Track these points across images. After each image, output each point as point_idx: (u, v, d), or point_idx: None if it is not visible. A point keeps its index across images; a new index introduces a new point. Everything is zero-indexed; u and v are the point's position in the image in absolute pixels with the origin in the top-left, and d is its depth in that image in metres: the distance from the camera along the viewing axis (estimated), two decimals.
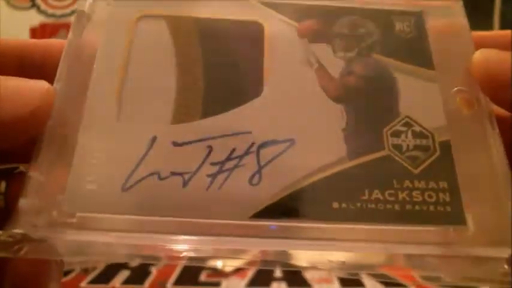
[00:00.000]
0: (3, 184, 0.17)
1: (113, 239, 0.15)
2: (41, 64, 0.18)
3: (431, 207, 0.16)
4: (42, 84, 0.16)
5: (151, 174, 0.16)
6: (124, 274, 0.40)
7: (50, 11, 0.43)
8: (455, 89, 0.18)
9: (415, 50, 0.19)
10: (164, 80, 0.18)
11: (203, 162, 0.16)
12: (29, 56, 0.18)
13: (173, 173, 0.16)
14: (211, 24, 0.19)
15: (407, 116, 0.17)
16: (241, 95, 0.17)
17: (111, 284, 0.38)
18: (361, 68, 0.18)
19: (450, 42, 0.19)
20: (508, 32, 0.19)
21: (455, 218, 0.16)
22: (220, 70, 0.18)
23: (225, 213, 0.15)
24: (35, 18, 0.44)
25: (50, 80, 0.17)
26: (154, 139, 0.16)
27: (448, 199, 0.16)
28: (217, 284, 0.39)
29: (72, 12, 0.42)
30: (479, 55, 0.18)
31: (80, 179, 0.15)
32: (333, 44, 0.19)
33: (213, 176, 0.16)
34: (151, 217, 0.15)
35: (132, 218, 0.15)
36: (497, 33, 0.20)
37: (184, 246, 0.15)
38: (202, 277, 0.39)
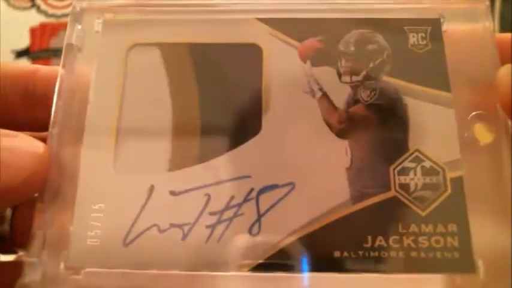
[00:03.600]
0: (9, 210, 0.17)
1: None
2: (44, 92, 0.18)
3: (438, 254, 0.15)
4: (37, 149, 0.15)
5: (151, 227, 0.16)
6: None
7: (50, 11, 0.42)
8: (473, 114, 0.16)
9: (430, 68, 0.17)
10: (160, 122, 0.17)
11: (202, 212, 0.16)
12: (32, 82, 0.18)
13: (172, 225, 0.16)
14: (207, 52, 0.18)
15: (417, 150, 0.16)
16: (239, 134, 0.17)
17: None
18: (368, 95, 0.17)
19: (470, 54, 0.17)
20: None
21: (464, 265, 0.15)
22: (217, 106, 0.17)
23: (225, 265, 0.15)
24: (35, 18, 0.43)
25: None
26: (152, 189, 0.16)
27: (456, 244, 0.15)
28: None
29: None
30: (505, 72, 0.16)
31: (82, 234, 0.16)
32: (338, 67, 0.17)
33: (212, 226, 0.16)
34: (154, 271, 0.15)
35: (134, 272, 0.15)
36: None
37: None
38: None
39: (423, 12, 0.18)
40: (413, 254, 0.15)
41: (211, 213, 0.16)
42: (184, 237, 0.16)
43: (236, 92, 0.17)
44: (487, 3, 0.18)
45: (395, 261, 0.15)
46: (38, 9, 0.42)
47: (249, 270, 0.15)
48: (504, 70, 0.16)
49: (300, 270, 0.15)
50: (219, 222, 0.16)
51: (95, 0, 0.18)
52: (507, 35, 0.18)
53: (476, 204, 0.16)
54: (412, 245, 0.15)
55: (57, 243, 0.16)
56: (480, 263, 0.15)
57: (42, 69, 0.18)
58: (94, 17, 0.18)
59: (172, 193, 0.16)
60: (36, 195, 0.16)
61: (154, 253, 0.16)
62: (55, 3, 0.42)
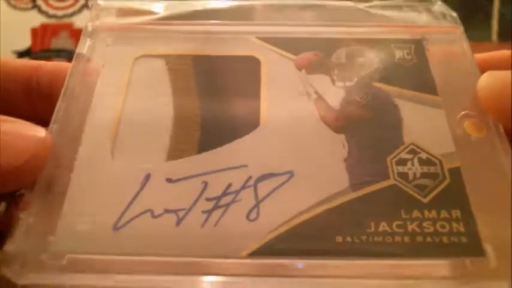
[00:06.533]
0: (3, 205, 0.16)
1: (104, 281, 0.14)
2: (48, 87, 0.18)
3: (445, 239, 0.14)
4: (38, 133, 0.15)
5: (144, 212, 0.15)
6: None
7: (51, 11, 0.43)
8: (462, 113, 0.17)
9: (417, 77, 0.18)
10: (160, 117, 0.17)
11: (198, 198, 0.15)
12: (36, 78, 0.18)
13: (167, 210, 0.15)
14: (209, 61, 0.19)
15: (412, 143, 0.17)
16: (238, 129, 0.17)
17: None
18: (362, 97, 0.18)
19: (452, 67, 0.19)
20: (507, 52, 0.18)
21: (472, 249, 0.14)
22: (217, 105, 0.18)
23: (222, 251, 0.14)
24: (36, 19, 0.43)
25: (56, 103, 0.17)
26: (148, 177, 0.16)
27: (462, 229, 0.15)
28: None
29: (74, 13, 0.42)
30: (485, 78, 0.17)
31: (71, 219, 0.15)
32: (331, 75, 0.18)
33: (209, 212, 0.15)
34: (144, 257, 0.14)
35: (124, 258, 0.14)
36: (497, 54, 0.19)
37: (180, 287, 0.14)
38: None
39: (407, 35, 0.20)
40: (419, 238, 0.15)
41: (208, 199, 0.15)
42: (179, 221, 0.15)
43: (235, 95, 0.18)
44: (462, 28, 0.20)
45: (400, 246, 0.14)
46: (39, 9, 0.42)
47: (246, 256, 0.14)
48: (485, 77, 0.17)
49: (300, 256, 0.14)
50: (215, 207, 0.15)
51: (106, 19, 0.20)
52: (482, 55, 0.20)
53: (477, 192, 0.15)
54: (417, 229, 0.15)
55: (44, 229, 0.15)
56: (489, 248, 0.14)
57: (46, 65, 0.18)
58: (105, 36, 0.20)
59: (169, 180, 0.16)
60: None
61: (145, 238, 0.15)
62: (56, 4, 0.43)
